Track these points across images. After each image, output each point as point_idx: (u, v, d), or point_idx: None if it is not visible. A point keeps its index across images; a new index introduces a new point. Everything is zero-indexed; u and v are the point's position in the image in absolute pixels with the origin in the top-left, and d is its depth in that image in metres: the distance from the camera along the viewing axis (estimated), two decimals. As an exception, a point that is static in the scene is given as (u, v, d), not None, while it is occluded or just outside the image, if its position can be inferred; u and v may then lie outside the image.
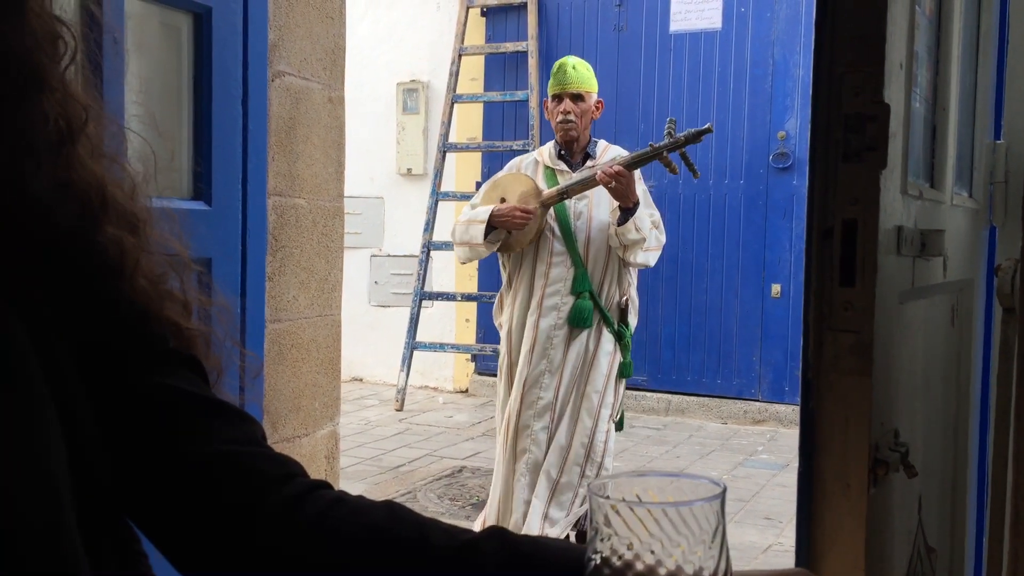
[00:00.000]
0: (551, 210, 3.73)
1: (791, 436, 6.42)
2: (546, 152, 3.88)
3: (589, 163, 3.79)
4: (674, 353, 7.44)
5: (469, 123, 8.05)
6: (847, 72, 1.17)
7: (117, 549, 0.75)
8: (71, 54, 0.73)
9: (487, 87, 8.01)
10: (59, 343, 0.70)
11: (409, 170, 8.33)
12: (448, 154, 7.78)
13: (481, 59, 8.02)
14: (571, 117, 3.74)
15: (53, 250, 0.71)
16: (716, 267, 7.30)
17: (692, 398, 7.35)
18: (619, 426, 3.89)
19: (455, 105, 7.78)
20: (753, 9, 7.14)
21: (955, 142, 1.68)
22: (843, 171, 1.17)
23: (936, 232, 1.41)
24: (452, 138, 7.79)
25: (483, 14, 8.04)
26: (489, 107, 8.02)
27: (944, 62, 1.57)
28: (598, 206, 3.74)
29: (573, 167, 3.80)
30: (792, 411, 6.67)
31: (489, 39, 8.02)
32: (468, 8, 7.83)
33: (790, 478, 5.19)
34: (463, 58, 7.80)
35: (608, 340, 3.76)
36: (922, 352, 1.54)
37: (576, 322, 3.69)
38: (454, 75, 7.74)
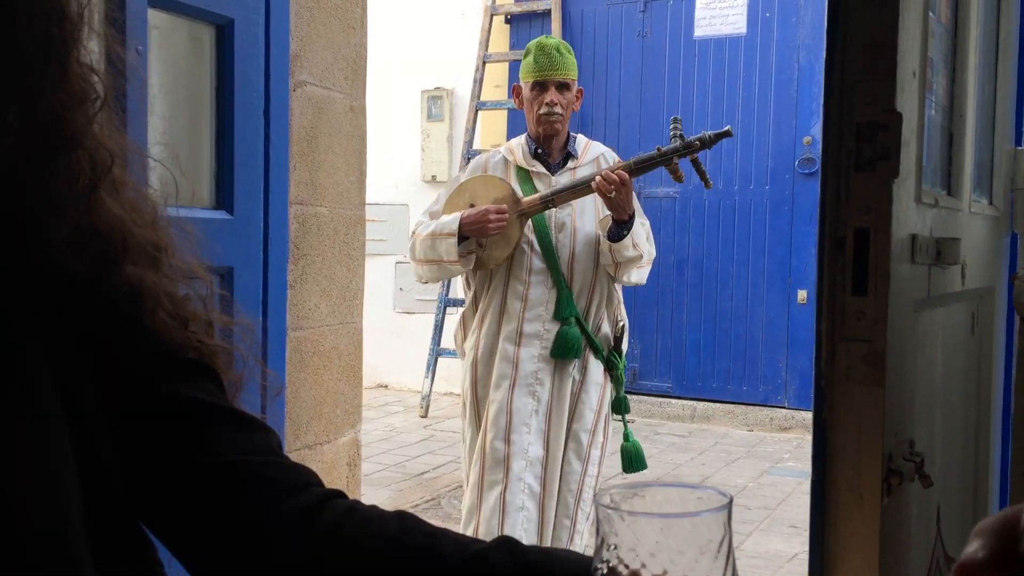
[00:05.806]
0: (528, 220, 3.11)
1: (817, 443, 6.37)
2: (518, 150, 3.24)
3: (571, 163, 3.20)
4: (699, 360, 7.41)
5: (493, 130, 8.07)
6: (859, 81, 1.17)
7: (132, 557, 0.76)
8: (101, 102, 0.73)
9: (511, 94, 8.02)
10: (74, 357, 0.71)
11: (434, 177, 8.36)
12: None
13: (505, 66, 8.03)
14: (558, 110, 3.13)
15: (69, 294, 0.71)
16: (741, 273, 7.27)
17: (718, 405, 7.32)
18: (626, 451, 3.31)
19: (479, 112, 7.80)
20: (778, 14, 7.12)
21: (973, 149, 1.67)
22: (855, 180, 1.17)
23: (952, 240, 1.40)
24: (476, 145, 7.80)
25: (507, 21, 8.06)
26: (513, 114, 8.02)
27: (961, 69, 1.57)
28: (582, 215, 3.15)
29: (552, 168, 3.18)
30: (818, 418, 6.62)
31: (513, 46, 8.03)
32: (492, 15, 7.85)
33: (815, 485, 5.14)
34: (487, 65, 7.81)
35: (596, 368, 3.18)
36: (940, 361, 1.53)
37: (561, 353, 3.10)
38: (478, 82, 7.76)
